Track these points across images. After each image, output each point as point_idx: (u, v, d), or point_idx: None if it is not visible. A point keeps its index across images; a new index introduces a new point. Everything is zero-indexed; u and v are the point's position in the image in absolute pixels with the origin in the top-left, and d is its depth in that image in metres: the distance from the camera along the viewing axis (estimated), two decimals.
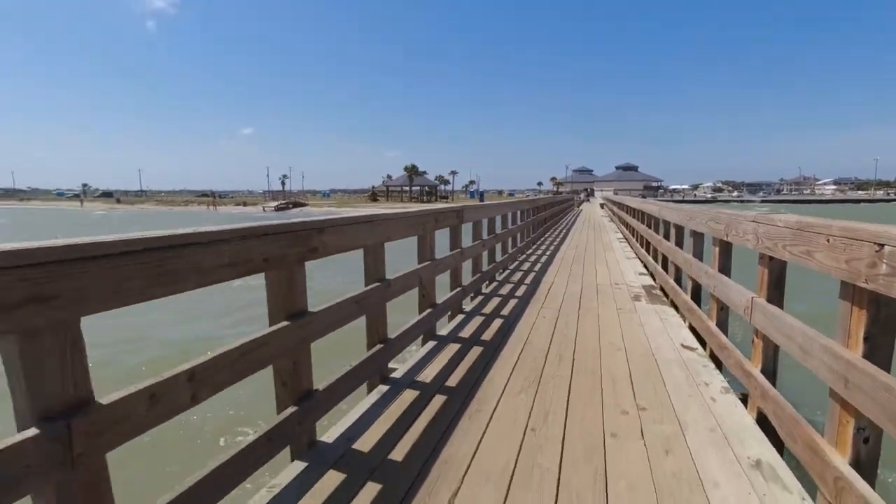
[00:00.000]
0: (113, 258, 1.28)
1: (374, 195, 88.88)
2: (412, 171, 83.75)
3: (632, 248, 10.80)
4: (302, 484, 2.03)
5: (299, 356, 2.19)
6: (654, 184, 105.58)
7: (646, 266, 8.11)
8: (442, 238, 4.39)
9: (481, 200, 70.08)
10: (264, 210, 72.61)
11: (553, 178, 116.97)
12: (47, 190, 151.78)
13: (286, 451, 2.21)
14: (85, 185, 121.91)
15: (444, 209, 4.27)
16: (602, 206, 36.05)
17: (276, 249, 1.96)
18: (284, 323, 2.06)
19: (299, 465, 2.17)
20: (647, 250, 8.27)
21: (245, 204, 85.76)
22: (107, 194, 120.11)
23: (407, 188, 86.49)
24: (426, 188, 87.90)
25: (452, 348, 3.84)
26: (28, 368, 1.13)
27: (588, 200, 61.11)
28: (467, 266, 5.29)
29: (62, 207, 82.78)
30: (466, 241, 5.14)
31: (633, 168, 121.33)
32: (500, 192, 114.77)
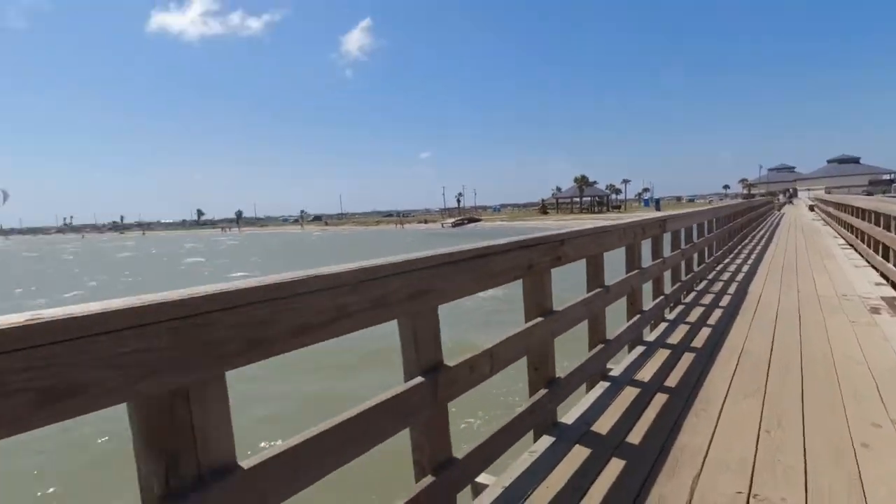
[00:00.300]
0: (458, 263, 1.81)
1: (544, 208, 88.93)
2: (582, 182, 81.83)
3: (861, 255, 9.26)
4: (554, 453, 2.40)
5: (548, 347, 2.59)
6: (886, 176, 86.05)
7: (885, 276, 6.96)
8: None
9: (657, 209, 65.30)
10: (442, 226, 77.83)
11: (743, 180, 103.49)
12: (275, 217, 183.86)
13: (530, 432, 2.59)
14: (302, 212, 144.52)
15: (649, 220, 4.38)
16: (811, 208, 30.73)
17: (536, 257, 2.39)
18: (538, 319, 2.48)
19: (548, 440, 2.55)
20: (888, 258, 7.09)
21: (426, 221, 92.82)
22: (317, 218, 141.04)
23: (577, 199, 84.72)
24: (596, 199, 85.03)
25: (662, 353, 3.92)
26: (417, 338, 1.68)
27: (791, 202, 52.51)
28: (666, 276, 5.25)
29: (288, 231, 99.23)
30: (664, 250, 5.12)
31: (853, 160, 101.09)
32: (678, 199, 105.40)
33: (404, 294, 1.59)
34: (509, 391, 5.81)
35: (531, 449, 2.44)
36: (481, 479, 2.18)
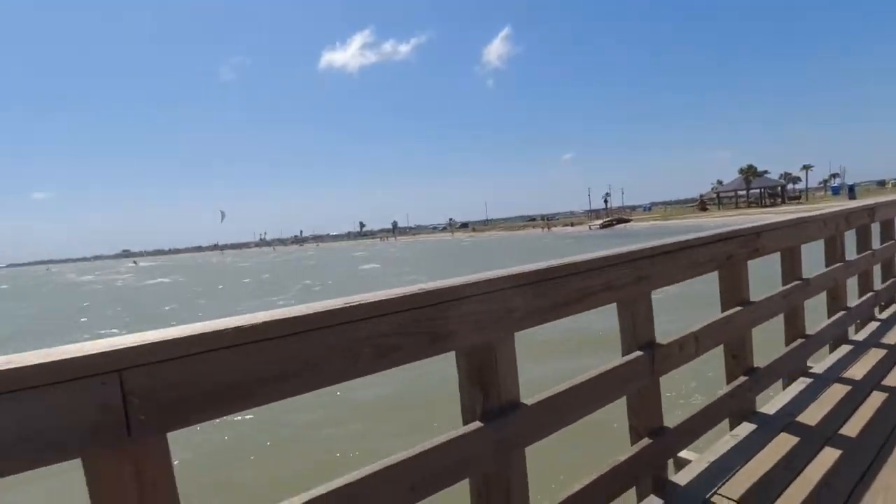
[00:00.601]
0: (670, 254, 2.03)
1: (703, 204, 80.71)
2: (750, 173, 72.29)
3: None
4: (758, 437, 2.42)
5: (745, 336, 2.63)
6: None
7: None
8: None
9: (852, 197, 54.99)
10: (590, 228, 75.17)
11: None
12: (425, 225, 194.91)
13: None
14: (451, 220, 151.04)
15: (855, 208, 4.00)
16: None
17: (734, 249, 2.47)
18: (737, 308, 2.54)
19: (749, 426, 2.58)
20: None
21: (572, 224, 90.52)
22: (464, 225, 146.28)
23: (742, 192, 75.22)
24: (767, 190, 74.53)
25: (876, 353, 3.56)
26: (635, 318, 1.94)
27: None
28: (876, 270, 4.66)
29: (439, 238, 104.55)
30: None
31: None
32: (881, 184, 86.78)
33: (628, 279, 1.86)
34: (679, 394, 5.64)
35: (733, 433, 2.51)
36: (683, 454, 2.32)
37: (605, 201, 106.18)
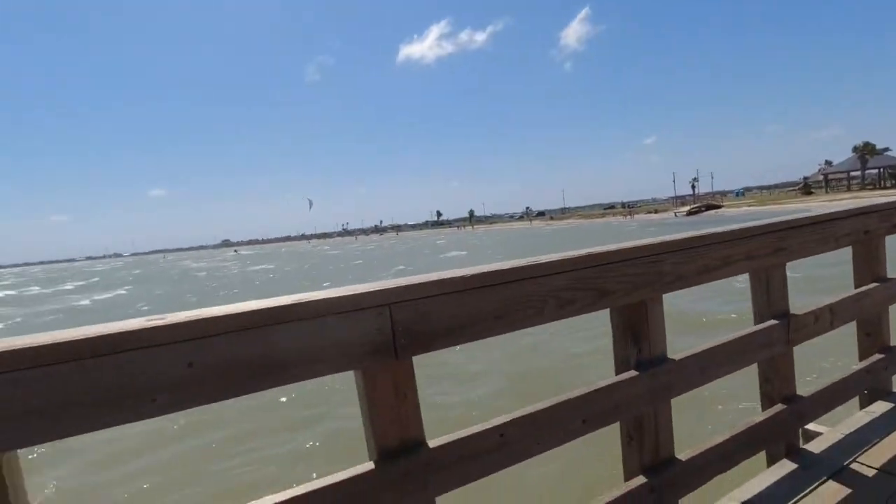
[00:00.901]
0: (805, 227, 2.05)
1: (807, 187, 73.39)
2: (867, 151, 64.27)
3: None
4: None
5: (882, 313, 2.54)
6: None
7: None
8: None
9: None
10: (675, 215, 71.04)
11: None
12: (500, 214, 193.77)
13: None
14: (527, 209, 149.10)
15: None
16: None
17: (873, 224, 2.40)
18: (873, 285, 2.47)
19: (885, 405, 2.48)
20: None
21: (656, 211, 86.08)
22: (540, 214, 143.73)
23: (856, 173, 67.20)
24: (886, 170, 65.98)
25: None
26: (770, 287, 1.98)
27: None
28: None
29: (516, 227, 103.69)
30: None
31: None
32: None
33: (768, 250, 1.91)
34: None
35: (867, 409, 2.45)
36: (813, 427, 2.30)
37: (693, 186, 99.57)
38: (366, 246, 78.96)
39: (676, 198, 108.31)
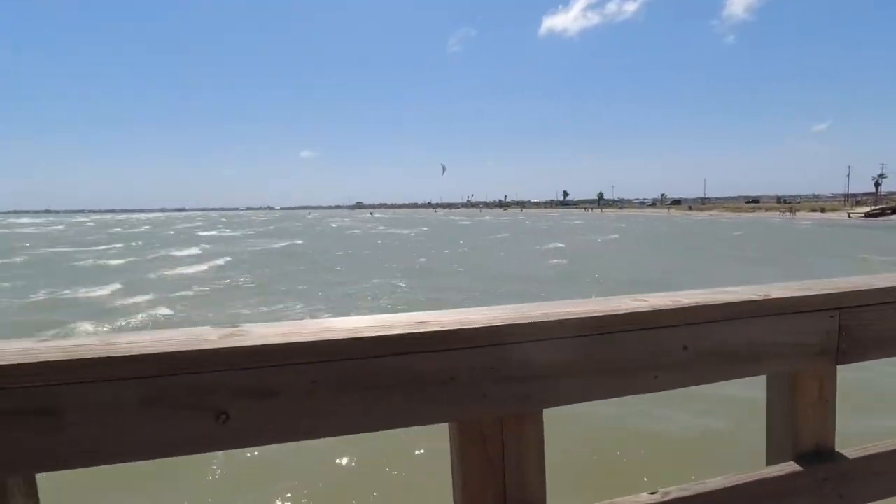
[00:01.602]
0: None
1: None
2: None
3: None
4: None
5: None
6: None
7: None
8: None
9: None
10: (849, 216, 61.03)
11: None
12: (630, 199, 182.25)
13: None
14: (662, 195, 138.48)
15: None
16: None
17: None
18: None
19: None
20: None
21: (822, 210, 74.66)
22: (676, 202, 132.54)
23: None
24: None
25: None
26: None
27: None
28: None
29: (652, 214, 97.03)
30: None
31: None
32: None
33: None
34: None
35: None
36: None
37: (877, 184, 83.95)
38: (498, 219, 79.51)
39: (850, 196, 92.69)
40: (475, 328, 0.73)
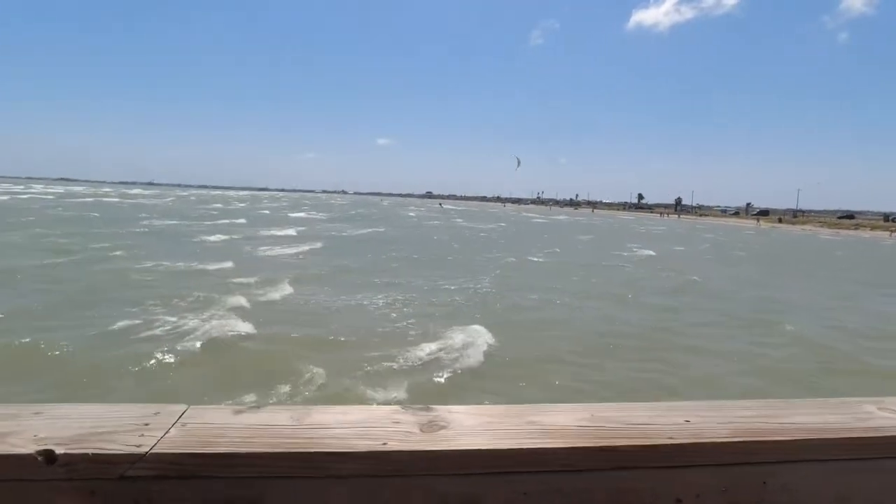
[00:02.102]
0: None
1: None
2: None
3: None
4: None
5: None
6: None
7: None
8: None
9: None
10: None
11: None
12: (710, 206, 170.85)
13: None
14: (748, 204, 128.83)
15: None
16: None
17: None
18: None
19: None
20: None
21: None
22: (763, 212, 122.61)
23: None
24: None
25: None
26: None
27: None
28: None
29: (731, 224, 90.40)
30: None
31: None
32: None
33: None
34: None
35: None
36: None
37: None
38: (574, 219, 77.46)
39: None
40: (707, 443, 0.60)
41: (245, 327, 7.34)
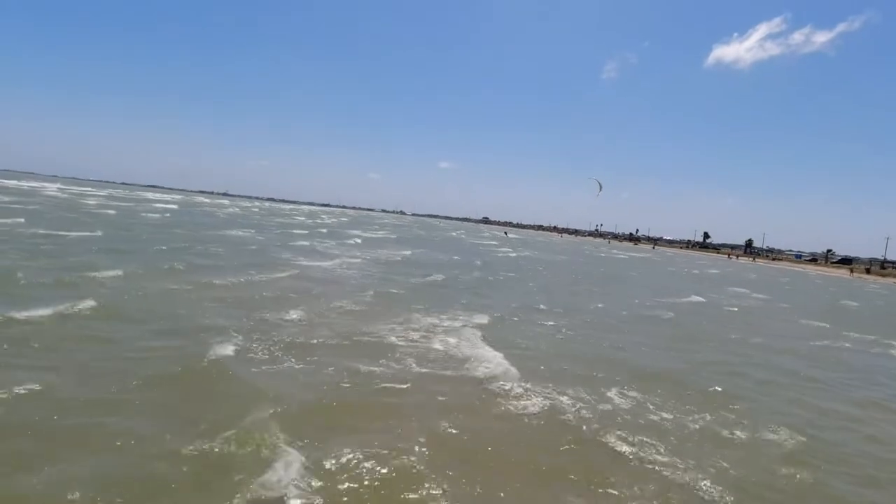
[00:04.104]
0: None
1: None
2: None
3: None
4: None
5: None
6: None
7: None
8: None
9: None
10: None
11: None
12: (780, 249, 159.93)
13: None
14: (829, 251, 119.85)
15: None
16: None
17: None
18: None
19: None
20: None
21: None
22: (845, 260, 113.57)
23: None
24: None
25: None
26: None
27: None
28: None
29: (809, 270, 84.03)
30: None
31: None
32: None
33: None
34: None
35: None
36: None
37: None
38: (629, 252, 74.87)
39: None
40: None
41: None
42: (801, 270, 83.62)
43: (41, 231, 18.56)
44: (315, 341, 8.00)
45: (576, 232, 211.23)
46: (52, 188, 73.64)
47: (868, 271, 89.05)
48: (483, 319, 11.16)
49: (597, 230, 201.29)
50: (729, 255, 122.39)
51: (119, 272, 11.69)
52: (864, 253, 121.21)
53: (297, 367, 6.75)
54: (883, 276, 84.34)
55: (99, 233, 20.58)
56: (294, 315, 9.63)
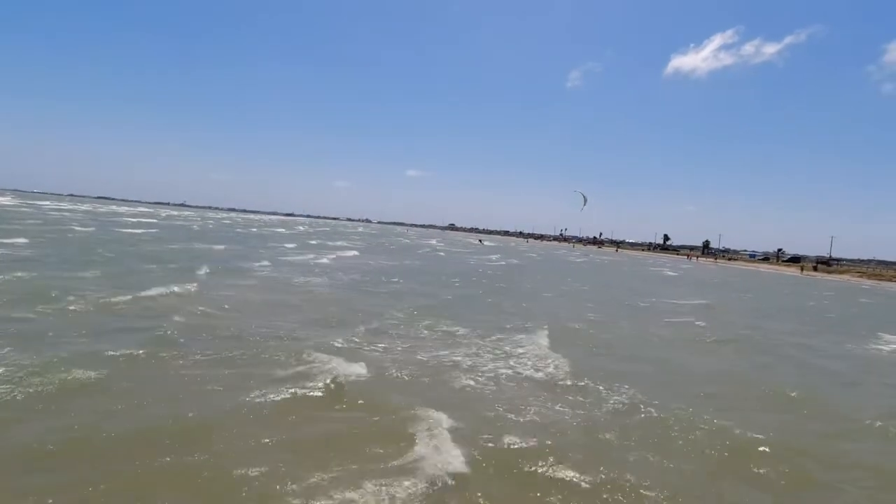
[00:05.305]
0: None
1: None
2: None
3: None
4: None
5: None
6: None
7: None
8: None
9: None
10: None
11: None
12: (736, 250, 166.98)
13: None
14: (779, 250, 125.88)
15: None
16: None
17: None
18: None
19: None
20: None
21: None
22: (794, 259, 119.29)
23: None
24: None
25: None
26: None
27: None
28: None
29: (763, 269, 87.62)
30: None
31: None
32: None
33: None
34: None
35: None
36: None
37: None
38: (601, 257, 75.96)
39: None
40: None
41: None
42: (754, 269, 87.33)
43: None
44: None
45: (541, 237, 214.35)
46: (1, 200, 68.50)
47: (815, 268, 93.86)
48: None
49: (561, 234, 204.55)
50: (689, 255, 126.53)
51: None
52: (811, 251, 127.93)
53: None
54: (829, 272, 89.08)
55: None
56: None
